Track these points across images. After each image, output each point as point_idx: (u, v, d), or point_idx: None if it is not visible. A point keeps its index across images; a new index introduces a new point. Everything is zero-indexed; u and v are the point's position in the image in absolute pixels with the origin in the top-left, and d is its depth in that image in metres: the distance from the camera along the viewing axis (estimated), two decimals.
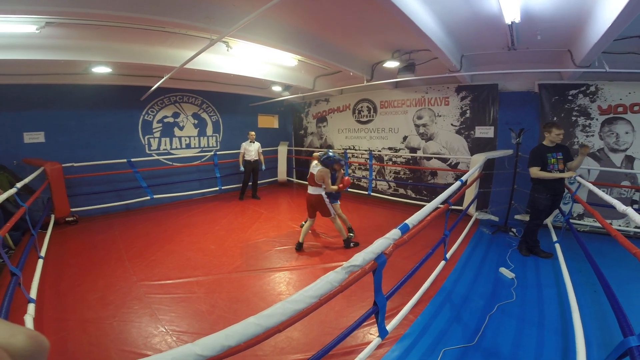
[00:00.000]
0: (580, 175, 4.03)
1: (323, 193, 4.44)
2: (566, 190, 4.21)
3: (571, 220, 4.55)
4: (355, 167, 8.41)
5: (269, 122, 10.20)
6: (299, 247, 4.51)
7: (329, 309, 2.92)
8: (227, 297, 3.27)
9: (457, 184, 3.60)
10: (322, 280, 1.53)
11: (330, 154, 4.39)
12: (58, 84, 5.81)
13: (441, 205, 3.16)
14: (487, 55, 4.92)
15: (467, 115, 6.23)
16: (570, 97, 5.13)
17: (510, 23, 3.46)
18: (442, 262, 3.71)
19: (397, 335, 2.60)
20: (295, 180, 9.96)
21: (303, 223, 5.09)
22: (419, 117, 6.91)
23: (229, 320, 2.85)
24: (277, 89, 7.60)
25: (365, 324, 2.38)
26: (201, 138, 8.33)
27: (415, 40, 3.79)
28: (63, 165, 5.76)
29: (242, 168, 7.60)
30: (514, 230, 5.10)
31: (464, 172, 5.86)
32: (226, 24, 3.29)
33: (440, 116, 6.59)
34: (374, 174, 7.76)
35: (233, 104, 8.63)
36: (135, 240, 5.03)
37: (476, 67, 5.40)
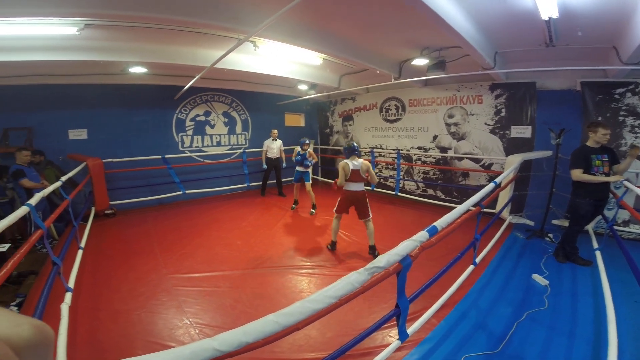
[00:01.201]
0: (627, 179, 3.70)
1: (363, 188, 4.23)
2: (611, 195, 3.89)
3: (615, 227, 4.22)
4: (382, 167, 8.27)
5: (296, 120, 10.28)
6: (333, 247, 4.44)
7: (349, 309, 2.88)
8: (250, 293, 3.33)
9: (491, 185, 3.44)
10: (343, 281, 1.51)
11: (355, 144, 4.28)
12: (99, 84, 6.18)
13: (473, 208, 3.03)
14: (523, 52, 4.66)
15: (502, 114, 5.93)
16: (617, 96, 4.73)
17: (547, 19, 3.27)
18: (471, 267, 3.55)
19: (418, 339, 2.53)
20: (320, 178, 9.97)
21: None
22: (450, 116, 6.67)
23: (250, 315, 2.89)
24: (303, 87, 7.64)
25: (385, 326, 2.33)
26: (231, 136, 8.56)
27: (446, 37, 3.66)
28: (103, 160, 6.15)
29: (264, 165, 7.70)
30: (551, 235, 4.80)
31: (498, 174, 5.62)
32: (252, 24, 3.34)
33: (473, 115, 6.33)
34: (401, 173, 7.60)
35: (261, 102, 8.79)
36: (167, 233, 5.26)
37: (511, 64, 5.14)
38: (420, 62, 5.20)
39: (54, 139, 6.06)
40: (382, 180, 8.19)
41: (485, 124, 6.17)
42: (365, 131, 8.60)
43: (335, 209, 4.38)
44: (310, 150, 6.09)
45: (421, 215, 6.34)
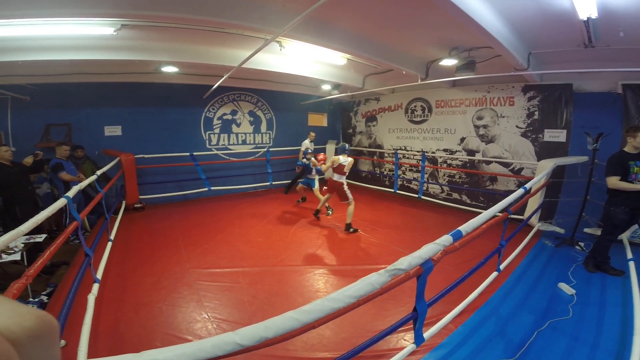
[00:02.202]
0: None
1: (344, 180, 5.28)
2: None
3: None
4: (406, 169, 8.13)
5: (319, 120, 10.32)
6: (316, 213, 5.83)
7: (364, 310, 2.86)
8: (268, 290, 3.39)
9: (520, 191, 3.31)
10: (363, 281, 1.51)
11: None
12: (133, 82, 6.49)
13: (499, 214, 2.92)
14: (559, 53, 4.42)
15: (535, 116, 5.66)
16: None
17: (585, 19, 3.09)
18: (495, 273, 3.43)
19: (433, 344, 2.48)
20: None
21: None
22: (479, 118, 6.45)
23: (267, 312, 2.96)
24: (326, 87, 7.64)
25: (400, 329, 2.30)
26: (256, 135, 8.73)
27: (476, 37, 3.56)
28: (135, 156, 6.44)
29: (299, 162, 7.24)
30: (582, 244, 4.56)
31: (529, 179, 5.40)
32: (278, 24, 3.38)
33: (503, 117, 6.08)
34: (425, 176, 7.43)
35: (285, 102, 8.90)
36: (191, 228, 5.44)
37: (546, 65, 4.89)
38: (449, 62, 5.06)
39: (91, 134, 6.43)
40: (405, 182, 8.06)
41: (517, 126, 5.92)
42: (389, 132, 8.48)
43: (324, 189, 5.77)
44: (313, 159, 6.18)
45: (444, 219, 6.18)
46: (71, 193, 3.07)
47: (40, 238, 3.72)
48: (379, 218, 6.14)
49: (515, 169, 6.02)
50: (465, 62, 4.81)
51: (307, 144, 7.67)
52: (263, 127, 8.85)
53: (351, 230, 5.22)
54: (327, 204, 6.18)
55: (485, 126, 6.38)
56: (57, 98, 6.02)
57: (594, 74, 4.72)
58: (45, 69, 5.15)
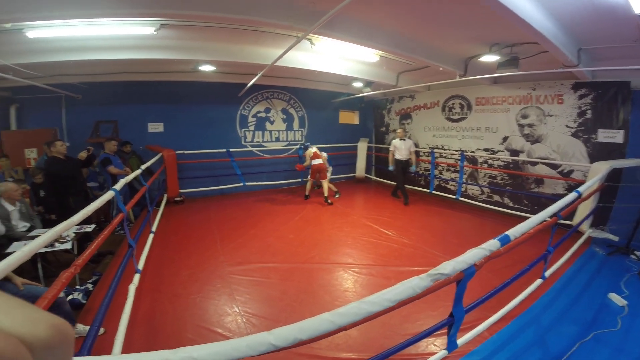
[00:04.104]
0: None
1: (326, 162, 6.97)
2: None
3: None
4: (443, 169, 7.83)
5: (350, 118, 10.23)
6: (307, 198, 7.19)
7: (396, 312, 2.78)
8: (297, 287, 3.41)
9: (573, 195, 3.06)
10: (403, 285, 1.47)
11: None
12: (173, 81, 6.82)
13: (549, 219, 2.73)
14: (613, 49, 4.04)
15: (588, 115, 5.20)
16: None
17: None
18: (539, 281, 3.23)
19: (465, 351, 2.37)
20: (373, 177, 9.80)
21: (307, 195, 7.36)
22: (524, 116, 6.05)
23: (295, 309, 2.98)
24: (358, 85, 7.55)
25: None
26: (288, 132, 8.86)
27: (519, 32, 3.36)
28: (176, 152, 6.76)
29: (391, 167, 7.03)
30: (638, 253, 4.15)
31: (579, 182, 5.00)
32: (309, 22, 3.38)
33: (551, 116, 5.65)
34: (464, 177, 7.10)
35: (316, 99, 8.92)
36: (226, 222, 5.63)
37: (599, 62, 4.49)
38: (490, 58, 4.78)
39: (135, 131, 6.85)
40: (441, 182, 7.77)
41: (566, 126, 5.47)
42: (425, 130, 8.20)
43: (309, 176, 7.17)
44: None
45: (482, 222, 5.89)
46: (118, 186, 3.22)
47: (90, 228, 3.99)
48: (414, 218, 5.98)
49: (565, 171, 5.58)
50: (507, 58, 4.52)
51: (395, 143, 6.93)
52: (295, 125, 8.94)
53: (329, 202, 6.81)
54: (335, 189, 7.46)
55: (530, 125, 5.97)
56: (105, 96, 6.48)
57: None
58: (94, 68, 5.54)
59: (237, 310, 2.96)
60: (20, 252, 1.58)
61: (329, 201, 6.82)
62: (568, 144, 5.48)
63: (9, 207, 3.67)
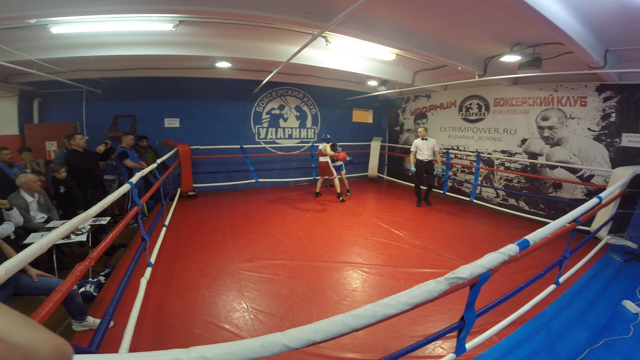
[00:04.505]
0: None
1: (329, 160, 6.78)
2: None
3: None
4: (457, 170, 7.68)
5: (363, 116, 10.15)
6: (318, 195, 7.31)
7: (404, 314, 2.76)
8: (305, 285, 3.41)
9: (594, 200, 2.96)
10: (420, 288, 1.44)
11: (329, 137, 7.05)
12: (189, 77, 6.90)
13: (567, 224, 2.65)
14: None
15: (612, 119, 5.00)
16: None
17: None
18: (552, 286, 3.13)
19: (472, 355, 2.33)
20: (385, 177, 9.71)
21: (317, 192, 7.46)
22: (544, 118, 5.86)
23: (303, 307, 2.98)
24: (372, 83, 7.47)
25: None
26: (301, 129, 8.86)
27: (543, 32, 3.25)
28: (191, 147, 6.86)
29: (413, 168, 6.62)
30: None
31: (599, 187, 4.84)
32: (325, 19, 3.36)
33: (573, 118, 5.46)
34: (479, 178, 6.94)
35: (330, 97, 8.89)
36: (237, 217, 5.68)
37: (627, 63, 4.30)
38: (511, 58, 4.64)
39: (152, 125, 6.99)
40: (456, 184, 7.63)
41: (589, 129, 5.28)
42: (440, 130, 8.06)
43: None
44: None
45: (496, 226, 5.75)
46: (134, 179, 3.28)
47: (105, 220, 4.06)
48: (426, 220, 5.90)
49: (585, 175, 5.39)
50: (529, 58, 4.38)
51: (417, 143, 6.61)
52: (308, 122, 8.94)
53: (341, 199, 6.90)
54: (347, 187, 7.56)
55: (550, 127, 5.78)
56: (124, 91, 6.63)
57: None
58: (114, 63, 5.67)
59: (245, 307, 2.97)
60: (38, 244, 1.61)
61: (342, 198, 6.89)
62: (589, 147, 5.28)
63: (28, 199, 3.76)
